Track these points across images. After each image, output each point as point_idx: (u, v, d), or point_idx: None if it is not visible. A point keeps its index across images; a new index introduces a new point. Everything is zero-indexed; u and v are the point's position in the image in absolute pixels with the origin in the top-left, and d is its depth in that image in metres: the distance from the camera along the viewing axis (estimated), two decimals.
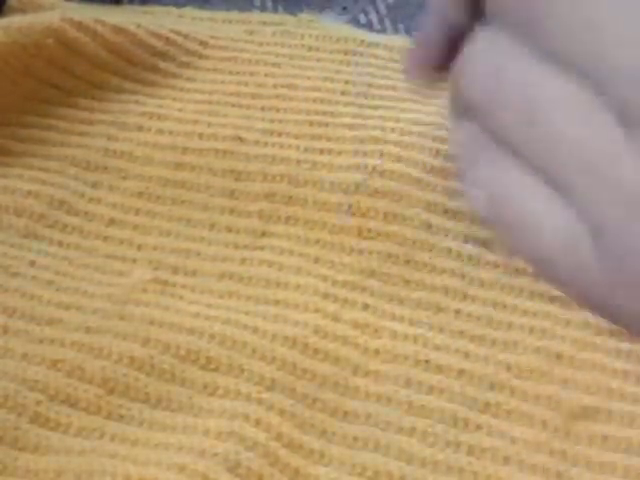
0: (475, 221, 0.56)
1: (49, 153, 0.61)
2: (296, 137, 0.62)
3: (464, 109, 0.24)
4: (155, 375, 0.49)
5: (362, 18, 0.74)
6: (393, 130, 0.61)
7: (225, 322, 0.51)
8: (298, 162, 0.60)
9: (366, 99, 0.64)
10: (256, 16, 0.74)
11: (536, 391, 0.49)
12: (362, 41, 0.70)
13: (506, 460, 0.47)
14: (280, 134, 0.62)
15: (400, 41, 0.71)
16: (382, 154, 0.59)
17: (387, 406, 0.48)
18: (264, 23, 0.72)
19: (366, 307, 0.53)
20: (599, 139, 0.21)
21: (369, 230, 0.56)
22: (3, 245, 0.56)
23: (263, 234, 0.57)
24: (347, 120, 0.63)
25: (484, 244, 0.55)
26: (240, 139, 0.62)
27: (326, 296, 0.53)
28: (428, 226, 0.56)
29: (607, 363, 0.50)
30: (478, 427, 0.48)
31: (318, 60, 0.68)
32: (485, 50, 0.23)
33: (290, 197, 0.58)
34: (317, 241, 0.56)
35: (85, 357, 0.49)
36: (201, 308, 0.52)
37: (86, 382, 0.48)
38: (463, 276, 0.54)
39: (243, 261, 0.55)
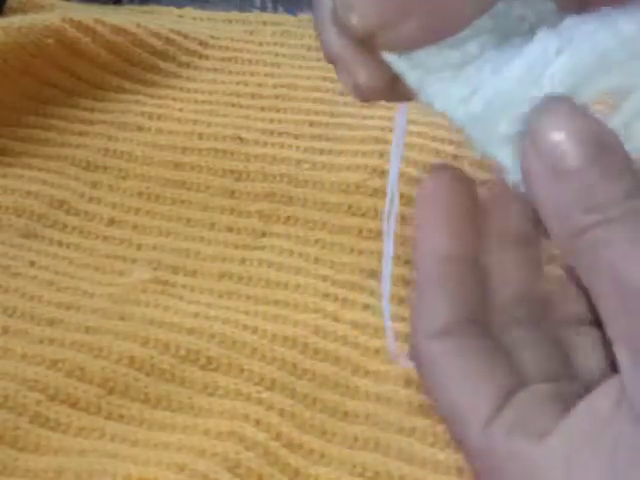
0: None
1: (49, 153, 0.61)
2: (296, 137, 0.62)
3: None
4: (155, 375, 0.49)
5: None
6: (393, 130, 0.61)
7: (225, 322, 0.51)
8: (298, 162, 0.60)
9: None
10: (256, 16, 0.74)
11: None
12: None
13: None
14: (280, 134, 0.62)
15: None
16: (382, 154, 0.59)
17: (387, 406, 0.48)
18: (264, 23, 0.72)
19: (366, 307, 0.52)
20: None
21: (369, 230, 0.56)
22: (3, 245, 0.56)
23: (263, 234, 0.57)
24: (347, 120, 0.62)
25: None
26: (240, 139, 0.61)
27: (326, 296, 0.53)
28: None
29: None
30: None
31: (318, 60, 0.68)
32: None
33: (290, 197, 0.58)
34: (317, 241, 0.56)
35: (85, 357, 0.49)
36: (201, 308, 0.52)
37: (86, 382, 0.48)
38: None
39: (243, 261, 0.55)
